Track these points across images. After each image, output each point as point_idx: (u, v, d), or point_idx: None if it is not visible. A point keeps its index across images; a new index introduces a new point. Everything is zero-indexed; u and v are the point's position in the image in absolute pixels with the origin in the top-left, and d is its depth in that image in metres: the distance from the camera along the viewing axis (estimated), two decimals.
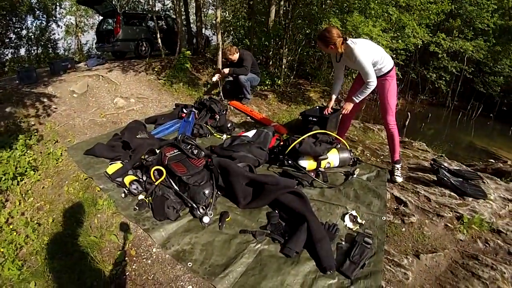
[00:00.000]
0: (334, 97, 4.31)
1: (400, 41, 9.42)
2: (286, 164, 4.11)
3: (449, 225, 3.37)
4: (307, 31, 8.65)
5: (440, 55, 16.53)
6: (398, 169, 4.07)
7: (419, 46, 11.88)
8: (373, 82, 3.68)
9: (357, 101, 3.89)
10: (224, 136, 5.26)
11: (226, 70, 6.56)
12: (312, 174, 3.94)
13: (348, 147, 4.44)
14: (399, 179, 4.01)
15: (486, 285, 2.75)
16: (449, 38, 16.35)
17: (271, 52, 9.11)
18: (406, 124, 12.33)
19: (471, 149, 12.43)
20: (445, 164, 4.26)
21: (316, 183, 3.83)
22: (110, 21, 11.96)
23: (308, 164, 4.03)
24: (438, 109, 18.20)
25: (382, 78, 3.84)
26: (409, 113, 12.78)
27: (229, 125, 5.56)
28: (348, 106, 3.98)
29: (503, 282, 2.80)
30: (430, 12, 12.57)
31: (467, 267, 2.94)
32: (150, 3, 14.92)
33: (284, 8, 9.13)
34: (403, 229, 3.27)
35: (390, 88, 3.82)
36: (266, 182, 3.35)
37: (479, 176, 4.23)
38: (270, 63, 9.18)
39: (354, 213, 3.31)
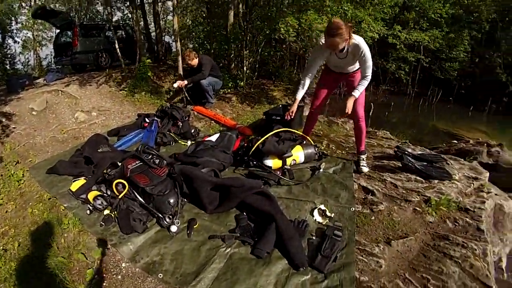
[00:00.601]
0: (299, 99, 4.01)
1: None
2: (252, 165, 4.03)
3: (418, 208, 3.38)
4: (267, 32, 8.59)
5: (398, 46, 17.02)
6: (363, 160, 4.07)
7: (375, 40, 12.04)
8: (370, 76, 3.59)
9: (357, 96, 3.63)
10: (189, 142, 5.13)
11: (185, 82, 6.44)
12: (278, 172, 3.88)
13: (313, 143, 4.39)
14: (365, 169, 4.01)
15: (459, 263, 2.76)
16: (405, 31, 16.85)
17: (232, 55, 9.01)
18: (370, 114, 12.54)
19: (435, 132, 12.75)
20: (409, 150, 4.28)
21: (283, 181, 3.77)
22: (69, 33, 11.56)
23: (273, 163, 3.96)
24: (400, 97, 18.75)
25: (356, 71, 3.84)
26: (372, 104, 12.99)
27: (192, 131, 5.44)
28: (350, 104, 3.62)
29: (475, 259, 2.81)
30: (384, 6, 12.80)
31: (438, 248, 2.94)
32: (107, 13, 14.51)
33: (242, 11, 9.04)
34: (373, 218, 3.26)
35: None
36: (231, 185, 3.29)
37: (443, 158, 4.27)
38: (232, 65, 9.07)
39: (322, 207, 3.27)
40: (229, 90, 8.18)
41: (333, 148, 4.79)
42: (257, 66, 9.34)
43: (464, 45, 18.87)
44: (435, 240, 3.05)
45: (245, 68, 8.60)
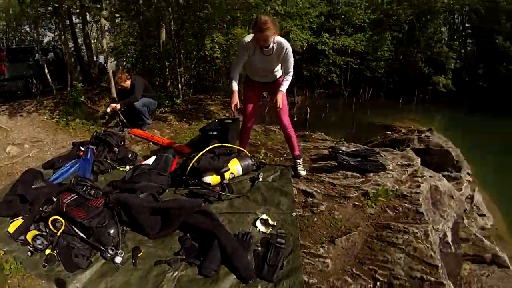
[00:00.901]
0: (236, 89, 3.92)
1: None
2: (191, 184, 3.85)
3: (357, 203, 3.39)
4: (200, 47, 8.45)
5: (327, 52, 17.89)
6: (300, 164, 4.06)
7: (304, 48, 12.41)
8: (292, 72, 3.74)
9: (284, 91, 3.75)
10: (127, 168, 4.84)
11: (118, 106, 6.15)
12: (218, 188, 3.75)
13: (249, 154, 4.30)
14: (303, 173, 4.00)
15: (403, 249, 2.78)
16: (332, 37, 17.75)
17: (167, 73, 8.76)
18: (307, 118, 12.82)
19: (371, 127, 13.29)
20: (343, 148, 4.31)
21: (223, 196, 3.65)
22: None
23: (211, 179, 3.82)
24: (335, 99, 19.74)
25: (279, 79, 3.88)
26: (308, 108, 13.29)
27: (130, 155, 5.14)
28: (280, 99, 3.72)
29: (417, 242, 2.85)
30: (310, 16, 13.18)
31: (381, 238, 2.95)
32: (36, 34, 13.55)
33: (174, 28, 8.81)
34: (315, 219, 3.21)
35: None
36: (170, 207, 3.15)
37: (376, 151, 4.36)
38: (168, 83, 8.81)
39: (264, 216, 3.18)
40: (166, 109, 7.90)
41: (271, 156, 4.71)
42: (192, 82, 9.18)
43: (387, 45, 20.34)
44: (377, 230, 3.06)
45: (180, 85, 8.41)
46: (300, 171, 3.99)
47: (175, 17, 8.60)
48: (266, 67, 3.79)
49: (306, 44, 12.09)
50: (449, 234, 3.54)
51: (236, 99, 3.87)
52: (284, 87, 3.73)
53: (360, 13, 18.88)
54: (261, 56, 3.66)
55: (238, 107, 3.96)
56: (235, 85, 3.88)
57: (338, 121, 15.04)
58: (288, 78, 3.73)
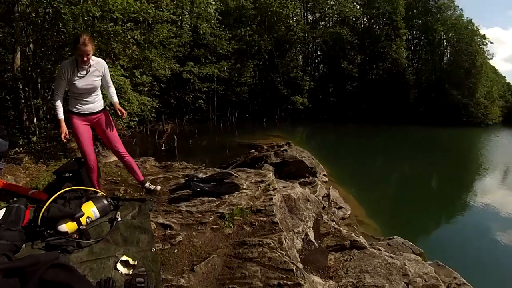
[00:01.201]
0: (62, 118, 3.72)
1: (144, 75, 9.48)
2: (47, 235, 3.43)
3: (215, 226, 3.46)
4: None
5: (192, 80, 18.43)
6: (149, 184, 4.09)
7: (167, 77, 12.45)
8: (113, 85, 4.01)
9: (117, 100, 3.95)
10: None
11: None
12: (75, 235, 3.40)
13: (104, 194, 3.99)
14: (152, 187, 4.04)
15: (258, 262, 2.93)
16: (197, 65, 18.46)
17: (22, 105, 7.42)
18: (175, 146, 12.69)
19: (238, 147, 13.89)
20: (200, 175, 4.38)
21: (82, 243, 3.30)
22: None
23: (67, 227, 3.39)
24: (204, 124, 20.22)
25: (105, 111, 3.89)
26: (175, 136, 13.26)
27: None
28: (120, 108, 3.84)
29: (271, 252, 3.03)
30: (173, 45, 13.26)
31: (239, 255, 3.06)
32: None
33: (31, 53, 7.54)
34: (175, 251, 3.18)
35: (112, 120, 3.90)
36: (24, 266, 2.77)
37: (230, 173, 4.51)
38: (24, 117, 7.45)
39: (124, 258, 3.03)
40: (20, 149, 6.68)
41: (131, 192, 4.44)
42: (49, 116, 7.97)
43: (250, 72, 22.67)
44: (236, 249, 3.17)
45: (35, 120, 7.34)
46: (150, 188, 4.01)
47: (34, 39, 7.57)
48: (88, 87, 3.67)
49: (169, 73, 12.09)
50: (310, 233, 3.88)
51: (64, 128, 3.69)
52: (115, 96, 3.96)
53: (224, 43, 20.22)
54: (80, 76, 3.60)
55: (68, 136, 3.77)
56: (60, 114, 3.69)
57: (207, 145, 15.38)
58: (113, 90, 3.98)
